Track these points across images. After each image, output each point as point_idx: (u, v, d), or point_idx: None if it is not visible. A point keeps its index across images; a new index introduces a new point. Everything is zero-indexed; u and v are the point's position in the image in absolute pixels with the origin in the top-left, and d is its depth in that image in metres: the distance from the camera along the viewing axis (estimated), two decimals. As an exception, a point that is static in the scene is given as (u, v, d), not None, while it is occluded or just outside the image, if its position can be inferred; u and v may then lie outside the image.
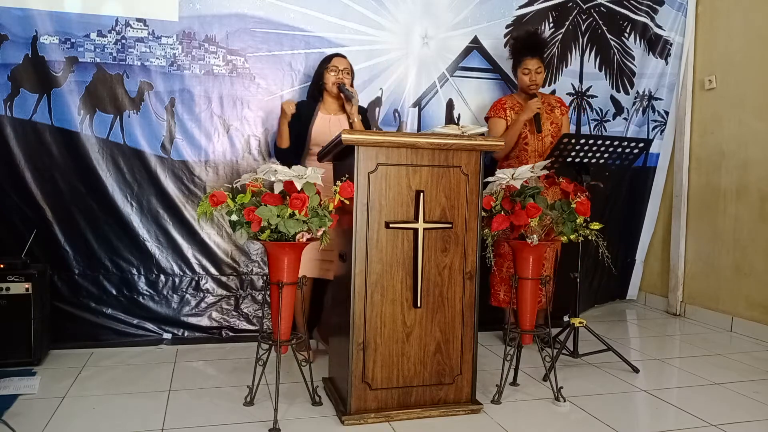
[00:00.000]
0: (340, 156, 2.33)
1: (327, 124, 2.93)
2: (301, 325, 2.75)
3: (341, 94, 2.92)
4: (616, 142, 2.83)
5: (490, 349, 3.13)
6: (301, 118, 2.94)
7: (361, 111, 3.07)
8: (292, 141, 2.93)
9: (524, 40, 3.32)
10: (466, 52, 3.59)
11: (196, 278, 3.21)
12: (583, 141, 2.78)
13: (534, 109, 3.13)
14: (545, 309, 3.31)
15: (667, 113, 4.11)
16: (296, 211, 2.05)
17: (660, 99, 4.08)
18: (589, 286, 4.02)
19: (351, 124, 2.92)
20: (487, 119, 3.36)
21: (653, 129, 4.10)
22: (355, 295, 2.14)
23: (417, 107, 3.53)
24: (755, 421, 2.28)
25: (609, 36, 3.92)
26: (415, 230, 2.18)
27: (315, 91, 3.04)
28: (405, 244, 2.19)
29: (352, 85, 3.01)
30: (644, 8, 3.97)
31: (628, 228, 4.23)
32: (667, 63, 4.04)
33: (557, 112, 3.33)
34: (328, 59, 3.00)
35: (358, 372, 2.16)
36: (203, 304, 3.21)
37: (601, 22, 3.89)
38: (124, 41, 3.03)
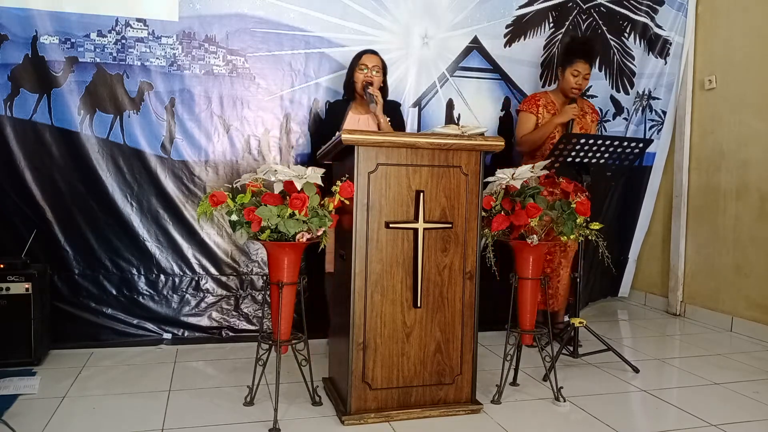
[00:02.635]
0: (340, 156, 2.33)
1: (356, 125, 2.95)
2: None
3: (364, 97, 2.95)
4: (616, 142, 2.83)
5: (490, 349, 3.13)
6: (334, 117, 2.97)
7: (394, 106, 3.09)
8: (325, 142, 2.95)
9: (583, 43, 3.31)
10: (466, 52, 3.59)
11: (196, 278, 3.21)
12: (583, 141, 2.78)
13: (570, 115, 3.13)
14: (558, 309, 3.33)
15: (664, 113, 4.11)
16: (296, 211, 2.05)
17: (658, 99, 4.08)
18: (585, 285, 4.03)
19: (378, 125, 2.94)
20: (518, 111, 3.37)
21: (650, 128, 4.10)
22: (355, 295, 2.14)
23: (417, 107, 3.53)
24: (755, 421, 2.28)
25: (609, 36, 3.92)
26: (415, 230, 2.18)
27: (349, 89, 3.06)
28: (405, 244, 2.19)
29: (384, 82, 3.04)
30: (644, 8, 3.97)
31: (623, 226, 4.23)
32: (666, 63, 4.05)
33: (588, 119, 3.33)
34: (359, 56, 3.01)
35: (358, 372, 2.16)
36: (203, 304, 3.21)
37: (601, 22, 3.89)
38: (124, 41, 3.03)
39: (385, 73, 3.07)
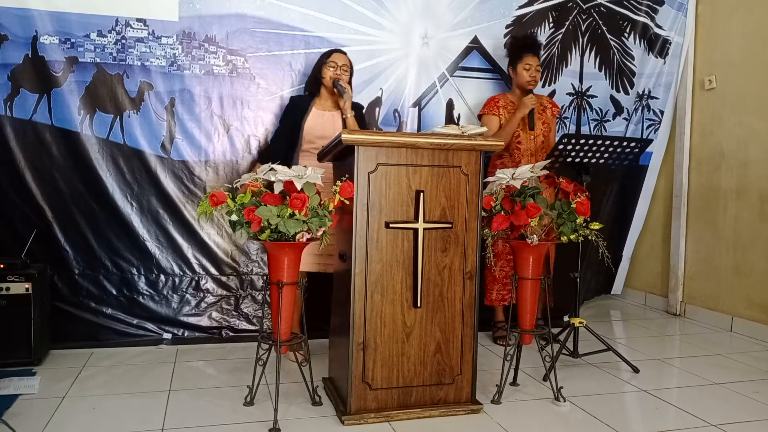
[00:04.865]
0: (340, 156, 2.33)
1: (320, 120, 2.92)
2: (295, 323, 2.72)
3: (335, 89, 2.92)
4: (615, 142, 2.84)
5: (490, 349, 3.13)
6: (295, 112, 2.94)
7: (357, 108, 3.05)
8: (286, 135, 2.93)
9: (525, 39, 3.40)
10: (466, 52, 3.59)
11: (196, 278, 3.21)
12: (582, 141, 2.78)
13: (529, 105, 3.19)
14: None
15: (662, 112, 4.11)
16: (296, 211, 2.05)
17: (656, 98, 4.08)
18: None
19: (344, 120, 2.91)
20: (479, 116, 3.39)
21: (647, 128, 4.11)
22: (355, 295, 2.14)
23: (417, 107, 3.53)
24: (755, 421, 2.28)
25: (609, 36, 3.92)
26: (415, 230, 2.18)
27: (313, 85, 3.03)
28: (405, 244, 2.19)
29: (349, 82, 3.02)
30: (644, 8, 3.97)
31: (618, 225, 4.23)
32: (665, 62, 4.05)
33: (548, 113, 3.39)
34: (328, 54, 2.99)
35: (358, 372, 2.16)
36: (203, 304, 3.21)
37: (601, 22, 3.89)
38: (124, 41, 3.03)
39: (351, 74, 3.04)
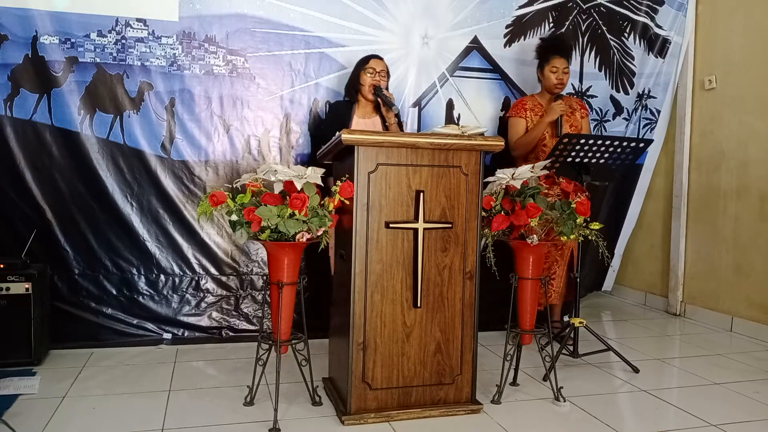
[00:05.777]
0: (340, 156, 2.33)
1: (364, 128, 2.97)
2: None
3: (378, 99, 2.97)
4: (616, 142, 2.84)
5: (490, 349, 3.13)
6: (339, 118, 2.97)
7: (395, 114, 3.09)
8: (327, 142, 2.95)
9: (553, 41, 3.40)
10: (466, 52, 3.59)
11: (196, 278, 3.21)
12: (583, 141, 2.78)
13: (558, 111, 3.17)
14: (554, 305, 3.35)
15: (658, 111, 4.11)
16: (296, 211, 2.05)
17: (654, 97, 4.08)
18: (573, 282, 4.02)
19: (387, 128, 2.95)
20: (507, 118, 3.39)
21: (644, 126, 4.10)
22: (355, 295, 2.14)
23: (417, 107, 3.53)
24: (755, 421, 2.28)
25: (609, 36, 3.92)
26: (415, 230, 2.18)
27: (352, 91, 3.08)
28: (405, 244, 2.19)
29: (387, 87, 3.06)
30: (644, 8, 3.97)
31: (611, 223, 4.21)
32: (664, 62, 4.04)
33: (578, 115, 3.36)
34: (365, 60, 3.05)
35: (358, 372, 2.16)
36: (203, 304, 3.21)
37: (601, 22, 3.89)
38: (124, 41, 3.03)
39: (388, 78, 3.10)
